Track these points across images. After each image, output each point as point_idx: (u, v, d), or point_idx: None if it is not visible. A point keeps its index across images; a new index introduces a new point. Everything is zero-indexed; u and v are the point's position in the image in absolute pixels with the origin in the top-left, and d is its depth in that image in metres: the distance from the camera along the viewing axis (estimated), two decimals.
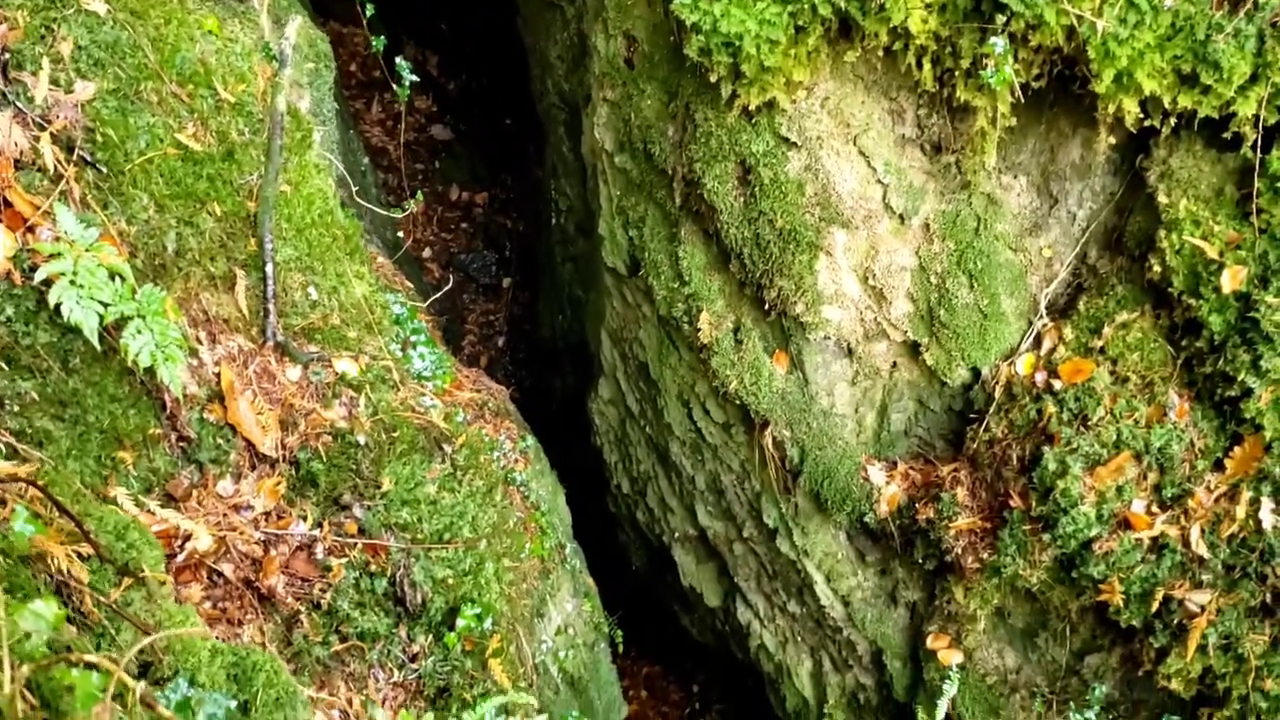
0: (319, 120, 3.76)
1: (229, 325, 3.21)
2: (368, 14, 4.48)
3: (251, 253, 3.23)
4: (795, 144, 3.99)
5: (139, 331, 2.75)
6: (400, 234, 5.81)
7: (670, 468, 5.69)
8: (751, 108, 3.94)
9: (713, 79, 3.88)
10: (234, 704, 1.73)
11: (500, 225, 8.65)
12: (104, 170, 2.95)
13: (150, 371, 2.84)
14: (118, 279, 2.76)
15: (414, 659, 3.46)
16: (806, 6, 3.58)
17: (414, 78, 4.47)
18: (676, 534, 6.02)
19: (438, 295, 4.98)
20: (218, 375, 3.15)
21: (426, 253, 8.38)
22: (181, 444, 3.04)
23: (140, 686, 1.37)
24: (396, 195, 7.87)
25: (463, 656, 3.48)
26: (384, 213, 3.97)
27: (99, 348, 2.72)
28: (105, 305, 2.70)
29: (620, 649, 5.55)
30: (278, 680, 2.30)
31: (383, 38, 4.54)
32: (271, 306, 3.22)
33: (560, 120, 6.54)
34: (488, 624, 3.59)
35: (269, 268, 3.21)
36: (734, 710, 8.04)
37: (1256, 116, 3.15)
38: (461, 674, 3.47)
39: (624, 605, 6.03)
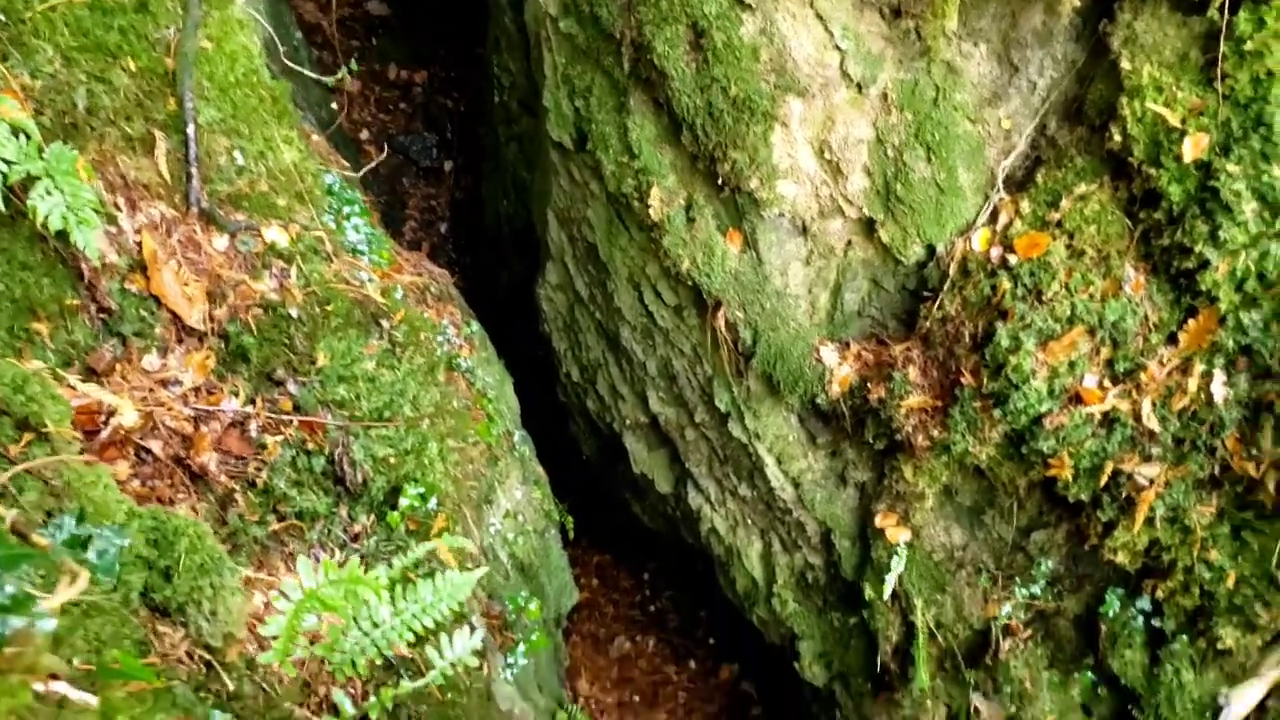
0: None
1: (149, 191, 3.02)
2: None
3: (171, 113, 3.02)
4: (749, 5, 3.81)
5: (48, 192, 2.56)
6: (335, 106, 5.56)
7: (621, 354, 5.59)
8: None
9: None
10: (128, 542, 1.62)
11: (441, 105, 8.36)
12: (2, 18, 2.72)
13: (63, 236, 2.65)
14: (22, 136, 2.57)
15: (355, 539, 3.37)
16: None
17: None
18: (628, 421, 5.96)
19: (365, 170, 4.76)
20: (139, 244, 2.97)
21: (364, 134, 8.08)
22: (102, 316, 2.87)
23: (11, 514, 1.25)
24: (332, 74, 7.55)
25: (407, 536, 3.40)
26: (316, 77, 3.75)
27: (4, 210, 2.54)
28: (9, 164, 2.50)
29: (571, 536, 5.53)
30: (201, 546, 2.20)
31: None
32: (194, 171, 3.02)
33: None
34: (432, 504, 3.51)
35: (190, 129, 3.01)
36: (684, 596, 8.13)
37: None
38: (406, 554, 3.39)
39: (575, 494, 5.99)
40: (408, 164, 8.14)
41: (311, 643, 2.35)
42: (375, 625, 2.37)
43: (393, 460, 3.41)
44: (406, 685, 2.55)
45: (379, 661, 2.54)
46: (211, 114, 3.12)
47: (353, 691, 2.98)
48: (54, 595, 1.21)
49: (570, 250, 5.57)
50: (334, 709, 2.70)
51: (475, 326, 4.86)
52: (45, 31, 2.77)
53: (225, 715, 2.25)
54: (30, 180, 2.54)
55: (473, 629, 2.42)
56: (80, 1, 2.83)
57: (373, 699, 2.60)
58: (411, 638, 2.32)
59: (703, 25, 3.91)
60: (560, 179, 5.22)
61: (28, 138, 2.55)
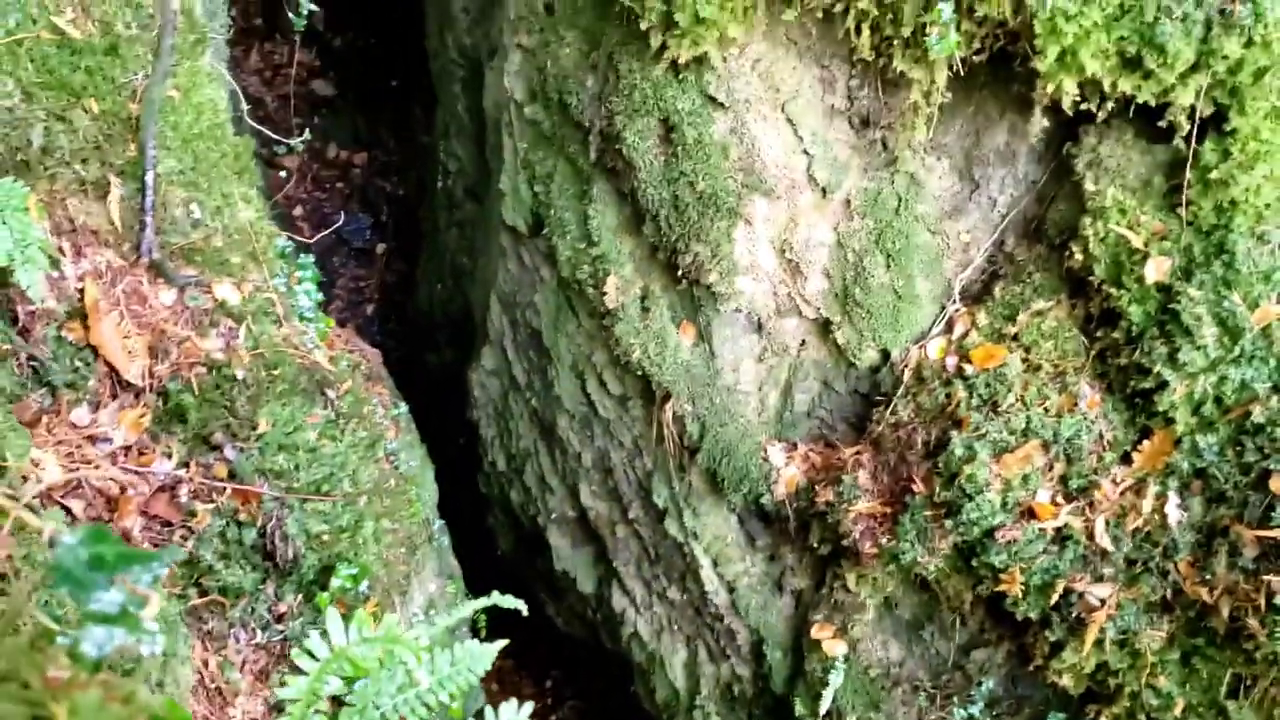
0: (213, 31, 3.42)
1: (97, 237, 2.86)
2: None
3: (130, 159, 2.88)
4: (723, 105, 3.84)
5: None
6: (284, 175, 5.44)
7: (555, 444, 5.46)
8: (681, 61, 3.76)
9: (643, 26, 3.69)
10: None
11: (379, 188, 8.28)
12: None
13: (3, 277, 2.48)
14: None
15: (280, 619, 3.15)
16: None
17: (313, 7, 4.15)
18: (554, 515, 5.80)
19: (316, 239, 4.64)
20: (81, 291, 2.80)
21: (298, 211, 7.95)
22: (33, 363, 2.68)
23: (49, 527, 1.10)
24: (270, 148, 7.43)
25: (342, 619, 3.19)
26: (274, 136, 3.64)
27: None
28: None
29: (483, 636, 5.31)
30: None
31: None
32: (149, 220, 2.87)
33: (457, 78, 6.25)
34: (363, 587, 3.32)
35: (149, 177, 2.86)
36: (589, 707, 7.86)
37: (1193, 106, 3.13)
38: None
39: (486, 592, 5.78)
40: (340, 244, 8.01)
41: (338, 705, 2.14)
42: (412, 687, 2.17)
43: (327, 537, 3.22)
44: None
45: None
46: (171, 164, 2.99)
47: None
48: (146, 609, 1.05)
49: (511, 335, 5.47)
50: None
51: (403, 408, 4.73)
52: (8, 65, 2.63)
53: None
54: None
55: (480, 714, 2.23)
56: (49, 38, 2.70)
57: None
58: (449, 701, 2.13)
59: (674, 120, 3.91)
60: (509, 263, 5.14)
61: None
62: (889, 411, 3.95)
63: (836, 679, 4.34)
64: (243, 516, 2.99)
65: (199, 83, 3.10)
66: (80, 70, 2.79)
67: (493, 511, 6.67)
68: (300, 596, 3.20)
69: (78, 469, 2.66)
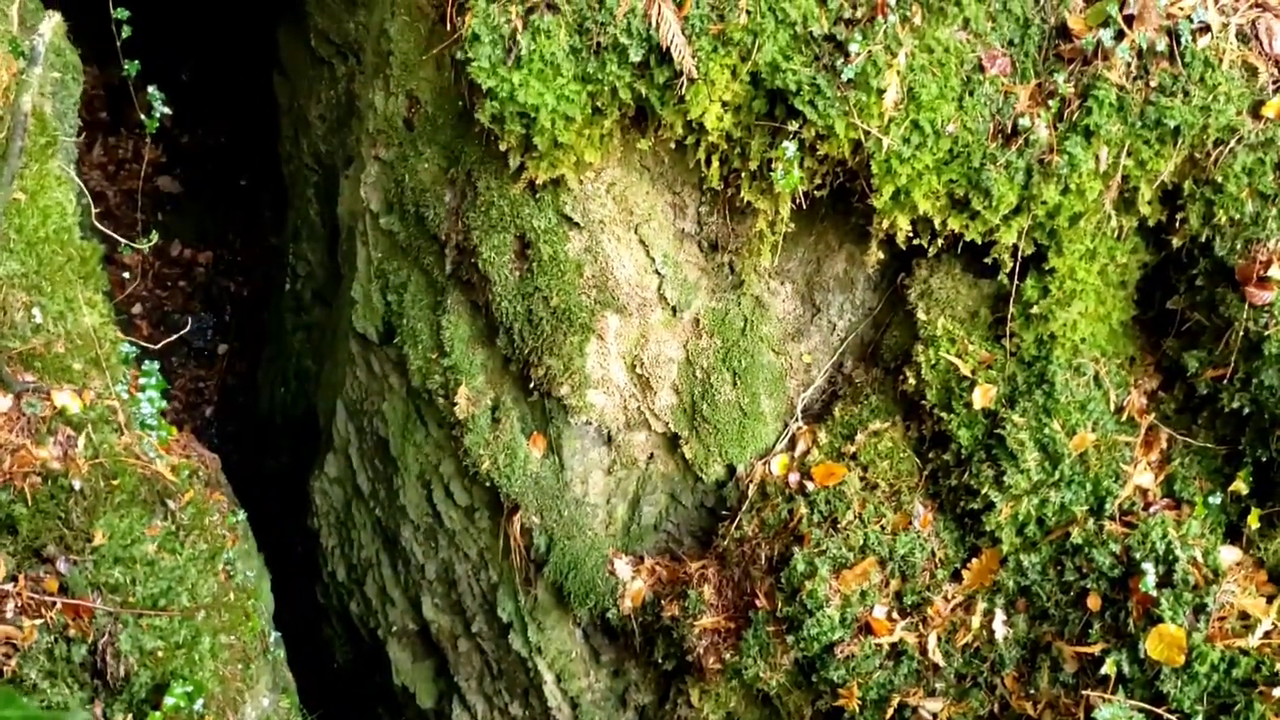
0: (63, 133, 3.35)
1: None
2: (123, 35, 4.07)
3: None
4: (578, 224, 3.95)
5: None
6: (126, 276, 5.28)
7: (398, 555, 5.37)
8: (538, 182, 3.88)
9: (502, 148, 3.80)
10: None
11: (223, 288, 8.10)
12: None
13: None
14: None
15: None
16: (607, 88, 3.58)
17: (166, 110, 4.11)
18: (395, 628, 5.66)
19: (164, 344, 4.52)
20: None
21: (137, 309, 7.70)
22: None
23: None
24: (110, 245, 7.21)
25: None
26: (124, 241, 3.54)
27: None
28: None
29: None
30: None
31: (137, 63, 4.16)
32: None
33: (311, 182, 6.25)
34: (198, 705, 3.18)
35: None
36: None
37: (1016, 246, 3.40)
38: None
39: (321, 706, 5.58)
40: (179, 343, 7.77)
41: None
42: None
43: (161, 654, 3.09)
44: None
45: None
46: (14, 266, 2.90)
47: None
48: None
49: (357, 443, 5.39)
50: None
51: (241, 516, 4.59)
52: None
53: None
54: None
55: None
56: None
57: None
58: None
59: (530, 237, 4.01)
60: (357, 370, 5.10)
61: None
62: (734, 526, 4.05)
63: None
64: (73, 632, 2.85)
65: (47, 185, 3.03)
66: None
67: (330, 622, 6.46)
68: (130, 717, 3.05)
69: None
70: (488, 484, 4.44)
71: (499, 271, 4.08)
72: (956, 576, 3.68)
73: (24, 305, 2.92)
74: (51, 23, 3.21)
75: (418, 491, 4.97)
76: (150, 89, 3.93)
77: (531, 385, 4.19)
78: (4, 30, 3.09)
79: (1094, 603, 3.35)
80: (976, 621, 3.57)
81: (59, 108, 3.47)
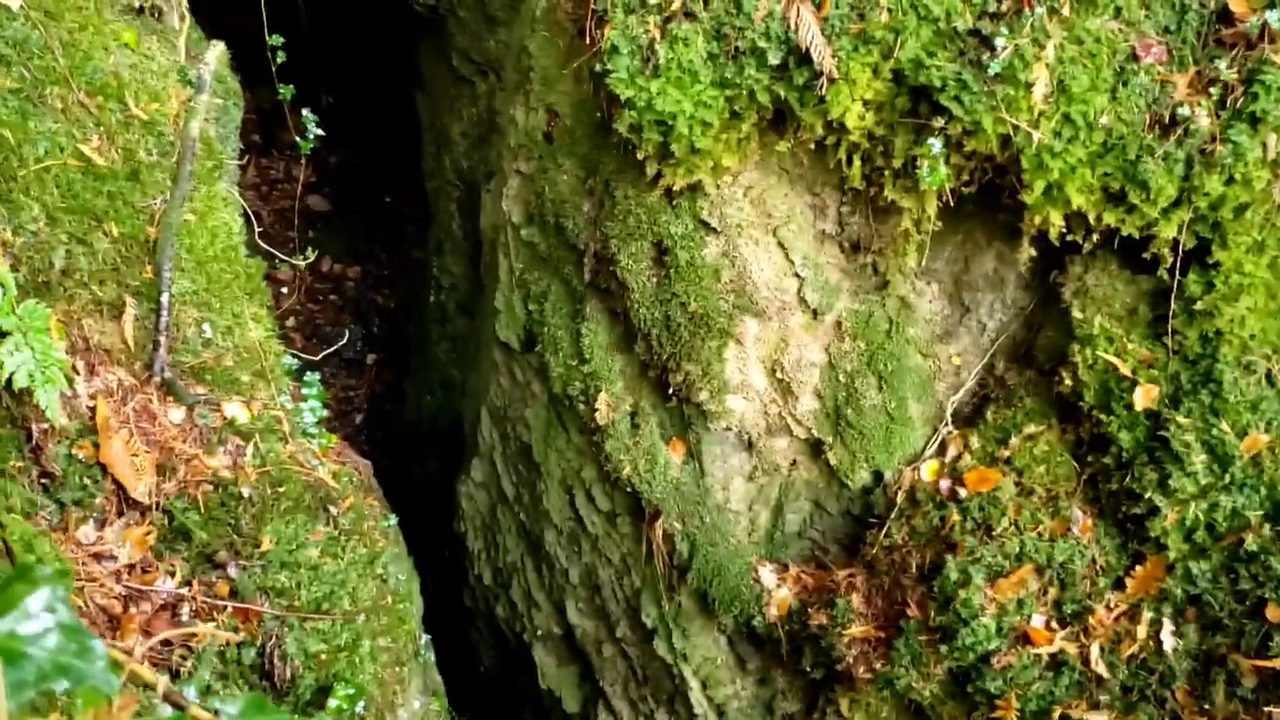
0: (227, 156, 3.52)
1: (110, 356, 2.90)
2: (278, 60, 4.24)
3: (146, 280, 2.94)
4: (715, 229, 3.95)
5: (17, 348, 2.44)
6: (284, 289, 5.50)
7: (542, 559, 5.44)
8: (675, 189, 3.89)
9: (639, 156, 3.82)
10: None
11: (371, 301, 8.37)
12: None
13: (21, 395, 2.51)
14: None
15: None
16: (744, 92, 3.56)
17: (319, 132, 4.26)
18: (540, 632, 5.74)
19: (324, 356, 4.69)
20: (92, 409, 2.82)
21: (291, 322, 8.01)
22: (44, 480, 2.69)
23: (163, 681, 1.11)
24: (267, 259, 7.53)
25: None
26: (282, 258, 3.72)
27: None
28: None
29: None
30: None
31: (291, 87, 4.33)
32: (163, 340, 2.92)
33: (453, 198, 6.40)
34: (359, 707, 3.28)
35: (164, 298, 2.92)
36: None
37: (1176, 240, 3.25)
38: None
39: (468, 708, 5.69)
40: (331, 354, 8.05)
41: None
42: None
43: (324, 657, 3.20)
44: None
45: None
46: (185, 285, 3.05)
47: None
48: None
49: (501, 449, 5.49)
50: None
51: (392, 520, 4.73)
52: (35, 190, 2.71)
53: None
54: (0, 335, 2.42)
55: None
56: (75, 165, 2.78)
57: None
58: None
59: (667, 244, 4.02)
60: (501, 378, 5.20)
61: (4, 291, 2.45)
62: (883, 534, 3.98)
63: None
64: (243, 635, 2.97)
65: (215, 207, 3.18)
66: (102, 195, 2.87)
67: (477, 626, 6.59)
68: (296, 718, 3.16)
69: (82, 587, 2.65)
70: (629, 489, 4.47)
71: (636, 278, 4.10)
72: (1119, 585, 3.53)
73: (195, 321, 3.07)
74: (216, 52, 3.38)
75: (560, 496, 5.03)
76: (304, 112, 4.09)
77: (670, 391, 4.20)
78: (174, 61, 3.25)
79: (1274, 614, 3.17)
80: (1143, 632, 3.43)
81: (222, 132, 3.63)
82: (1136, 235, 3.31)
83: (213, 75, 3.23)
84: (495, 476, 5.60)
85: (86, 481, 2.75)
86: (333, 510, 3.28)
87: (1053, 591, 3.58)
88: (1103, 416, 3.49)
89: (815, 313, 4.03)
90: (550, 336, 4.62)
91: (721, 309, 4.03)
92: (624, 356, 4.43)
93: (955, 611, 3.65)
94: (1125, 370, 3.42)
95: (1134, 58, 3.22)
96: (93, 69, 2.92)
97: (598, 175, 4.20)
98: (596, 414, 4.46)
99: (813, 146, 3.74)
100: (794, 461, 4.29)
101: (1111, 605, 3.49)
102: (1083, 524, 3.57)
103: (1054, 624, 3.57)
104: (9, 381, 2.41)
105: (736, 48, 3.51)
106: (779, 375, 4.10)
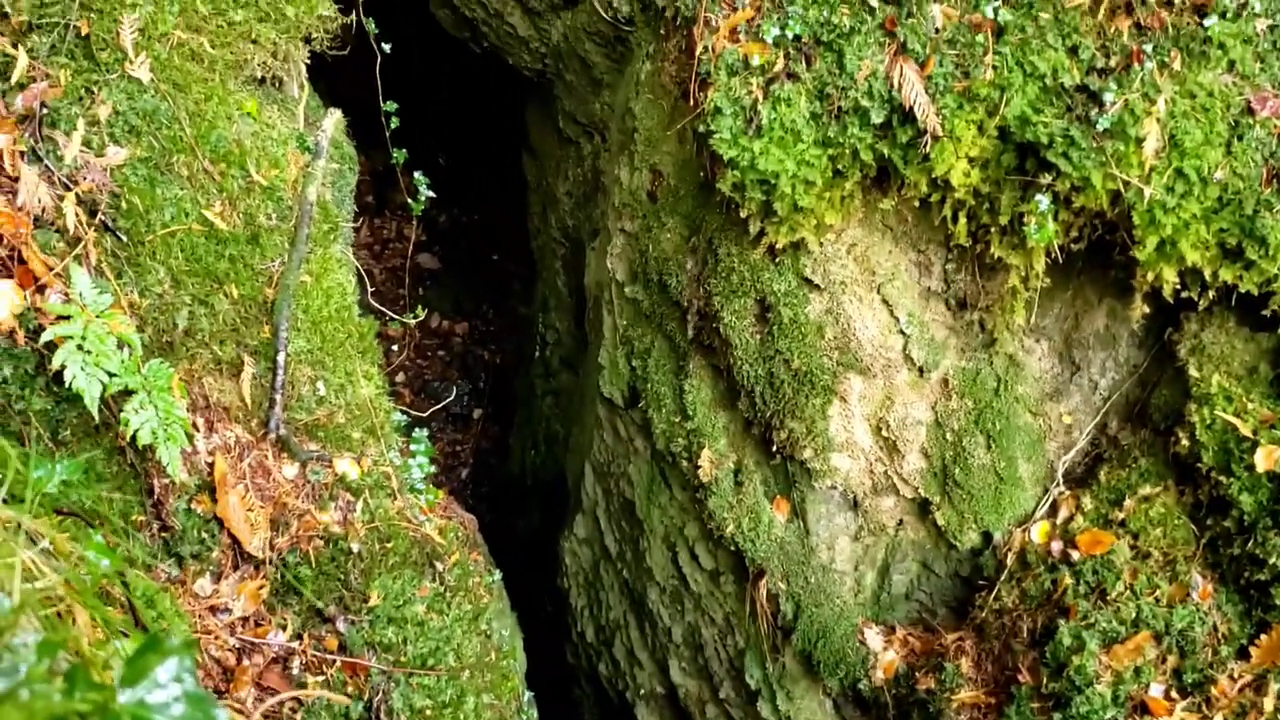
0: (342, 219, 3.65)
1: (228, 414, 3.02)
2: (392, 125, 4.40)
3: (263, 340, 3.06)
4: (818, 286, 3.94)
5: (142, 406, 2.56)
6: (394, 345, 5.65)
7: (645, 617, 5.43)
8: (778, 247, 3.90)
9: (742, 215, 3.84)
10: None
11: (478, 356, 8.54)
12: (124, 238, 2.80)
13: (145, 452, 2.63)
14: (125, 349, 2.59)
15: None
16: (847, 151, 3.57)
17: (431, 194, 4.39)
18: (643, 690, 5.71)
19: (431, 412, 4.80)
20: (211, 465, 2.94)
21: (400, 377, 8.22)
22: (164, 534, 2.80)
23: None
24: (378, 317, 7.76)
25: None
26: (393, 316, 3.85)
27: (97, 418, 2.52)
28: (111, 375, 2.51)
29: None
30: None
31: (405, 151, 4.47)
32: (279, 398, 3.03)
33: (558, 255, 6.51)
34: None
35: (281, 357, 3.04)
36: None
37: None
38: None
39: None
40: (438, 409, 8.22)
41: None
42: None
43: (429, 713, 3.24)
44: None
45: None
46: (301, 344, 3.16)
47: None
48: None
49: (604, 504, 5.52)
50: None
51: (497, 576, 4.77)
52: (161, 253, 2.85)
53: None
54: (126, 393, 2.53)
55: None
56: (199, 229, 2.92)
57: None
58: None
59: (771, 300, 4.02)
60: (604, 433, 5.23)
61: (130, 351, 2.57)
62: (992, 597, 3.88)
63: None
64: (350, 690, 3.03)
65: (330, 268, 3.30)
66: (224, 259, 3.00)
67: (580, 683, 6.59)
68: None
69: (198, 639, 2.74)
70: (732, 548, 4.45)
71: (740, 335, 4.11)
72: (1243, 654, 3.38)
73: (309, 379, 3.17)
74: (333, 119, 3.52)
75: (663, 553, 5.03)
76: (416, 174, 4.22)
77: (774, 448, 4.18)
78: (293, 128, 3.40)
79: None
80: (1269, 704, 3.26)
81: (338, 196, 3.78)
82: (1255, 291, 3.21)
83: (329, 141, 3.37)
84: (598, 532, 5.62)
85: (204, 536, 2.85)
86: (439, 566, 3.33)
87: (1172, 659, 3.44)
88: (1222, 478, 3.37)
89: (921, 370, 3.99)
90: (653, 393, 4.65)
91: (825, 366, 4.01)
92: (727, 413, 4.43)
93: (1069, 678, 3.53)
94: (1246, 431, 3.30)
95: (1249, 111, 3.14)
96: (217, 137, 3.07)
97: (701, 233, 4.23)
98: (700, 471, 4.46)
99: (917, 204, 3.72)
100: (900, 521, 4.22)
101: (1235, 675, 3.34)
102: (1202, 589, 3.43)
103: (1174, 693, 3.43)
104: (133, 438, 2.52)
105: (839, 107, 3.52)
106: (884, 433, 4.05)
